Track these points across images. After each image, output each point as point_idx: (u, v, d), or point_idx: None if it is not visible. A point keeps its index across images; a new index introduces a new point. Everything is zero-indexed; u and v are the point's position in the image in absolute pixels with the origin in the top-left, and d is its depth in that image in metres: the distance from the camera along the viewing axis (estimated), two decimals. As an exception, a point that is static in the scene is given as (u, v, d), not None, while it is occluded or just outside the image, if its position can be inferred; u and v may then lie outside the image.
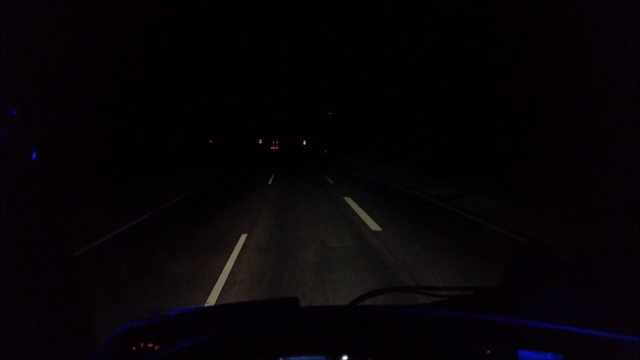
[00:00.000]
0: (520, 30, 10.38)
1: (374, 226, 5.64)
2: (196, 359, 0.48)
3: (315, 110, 57.83)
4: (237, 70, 46.30)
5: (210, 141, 39.96)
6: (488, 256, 4.17)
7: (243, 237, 5.05)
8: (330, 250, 4.44)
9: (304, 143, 65.17)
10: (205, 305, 2.90)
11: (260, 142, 72.27)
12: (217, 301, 3.17)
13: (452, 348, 0.49)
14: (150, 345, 0.67)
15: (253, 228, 5.59)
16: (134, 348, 0.66)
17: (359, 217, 6.29)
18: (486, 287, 0.90)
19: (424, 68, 17.12)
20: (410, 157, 16.67)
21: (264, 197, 8.71)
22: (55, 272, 0.58)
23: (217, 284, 3.44)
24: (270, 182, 12.01)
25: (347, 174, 14.46)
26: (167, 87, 21.61)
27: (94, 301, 3.05)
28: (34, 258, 0.53)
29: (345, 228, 5.56)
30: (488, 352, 0.60)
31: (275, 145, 69.37)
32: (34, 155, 0.53)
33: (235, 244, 4.72)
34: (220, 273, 3.70)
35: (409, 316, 0.74)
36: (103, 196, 9.23)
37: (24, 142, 0.53)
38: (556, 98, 9.64)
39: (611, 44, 7.52)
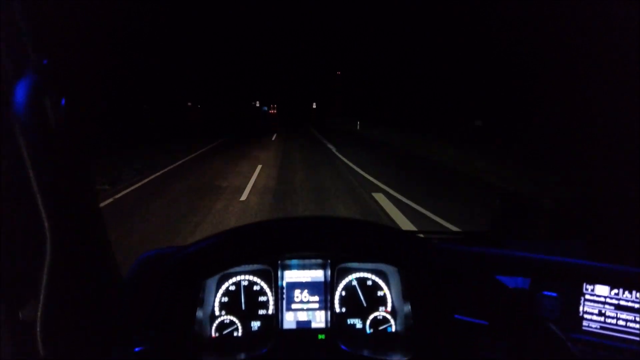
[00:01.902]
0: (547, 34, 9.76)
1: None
2: (211, 257, 0.55)
3: (322, 70, 51.17)
4: (235, 23, 42.25)
5: (190, 104, 31.01)
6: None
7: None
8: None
9: (314, 106, 54.18)
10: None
11: (257, 104, 69.22)
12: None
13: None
14: None
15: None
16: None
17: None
18: (474, 232, 1.04)
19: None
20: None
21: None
22: (81, 219, 0.54)
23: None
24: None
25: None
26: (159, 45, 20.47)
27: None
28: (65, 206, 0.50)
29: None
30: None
31: (273, 108, 67.00)
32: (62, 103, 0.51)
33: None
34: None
35: None
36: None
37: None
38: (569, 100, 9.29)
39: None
